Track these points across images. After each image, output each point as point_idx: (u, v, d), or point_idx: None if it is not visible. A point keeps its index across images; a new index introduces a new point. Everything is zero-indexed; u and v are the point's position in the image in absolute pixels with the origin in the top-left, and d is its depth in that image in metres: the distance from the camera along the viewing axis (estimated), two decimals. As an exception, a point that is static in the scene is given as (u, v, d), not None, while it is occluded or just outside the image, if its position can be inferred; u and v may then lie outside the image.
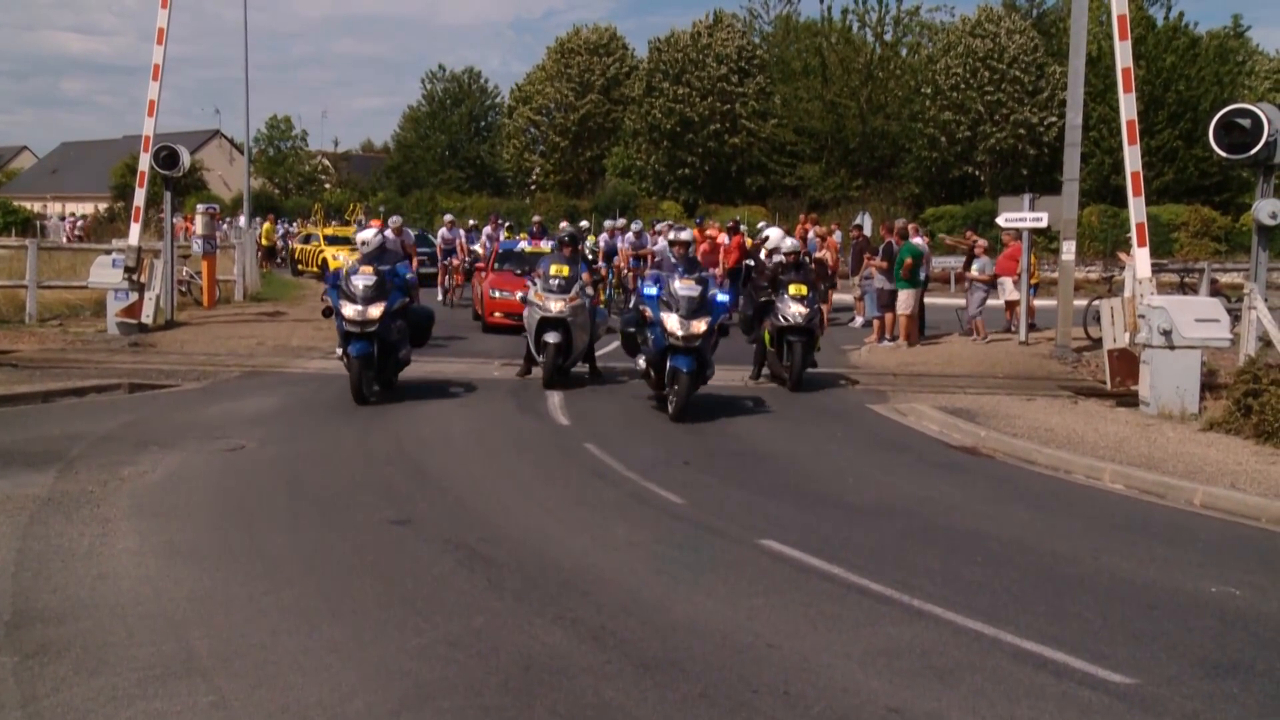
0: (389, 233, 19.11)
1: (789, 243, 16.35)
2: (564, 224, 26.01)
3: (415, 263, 18.48)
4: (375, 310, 12.36)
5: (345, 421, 11.58)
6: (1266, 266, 14.65)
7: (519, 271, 20.18)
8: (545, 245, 22.14)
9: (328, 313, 13.10)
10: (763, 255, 18.55)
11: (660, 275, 13.17)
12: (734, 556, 7.27)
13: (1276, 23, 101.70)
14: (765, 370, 15.38)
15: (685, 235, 13.77)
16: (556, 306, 13.97)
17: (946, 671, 5.34)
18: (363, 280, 12.53)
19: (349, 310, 12.36)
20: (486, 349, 17.86)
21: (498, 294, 20.64)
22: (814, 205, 44.16)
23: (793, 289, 14.71)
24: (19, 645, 5.42)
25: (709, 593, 6.48)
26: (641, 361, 12.96)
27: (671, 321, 12.15)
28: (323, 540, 7.37)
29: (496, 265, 22.19)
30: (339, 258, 33.32)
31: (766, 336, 14.94)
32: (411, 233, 21.73)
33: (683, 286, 12.40)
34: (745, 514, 8.32)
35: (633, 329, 13.34)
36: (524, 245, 23.36)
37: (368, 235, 13.37)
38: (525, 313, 14.53)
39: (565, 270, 14.27)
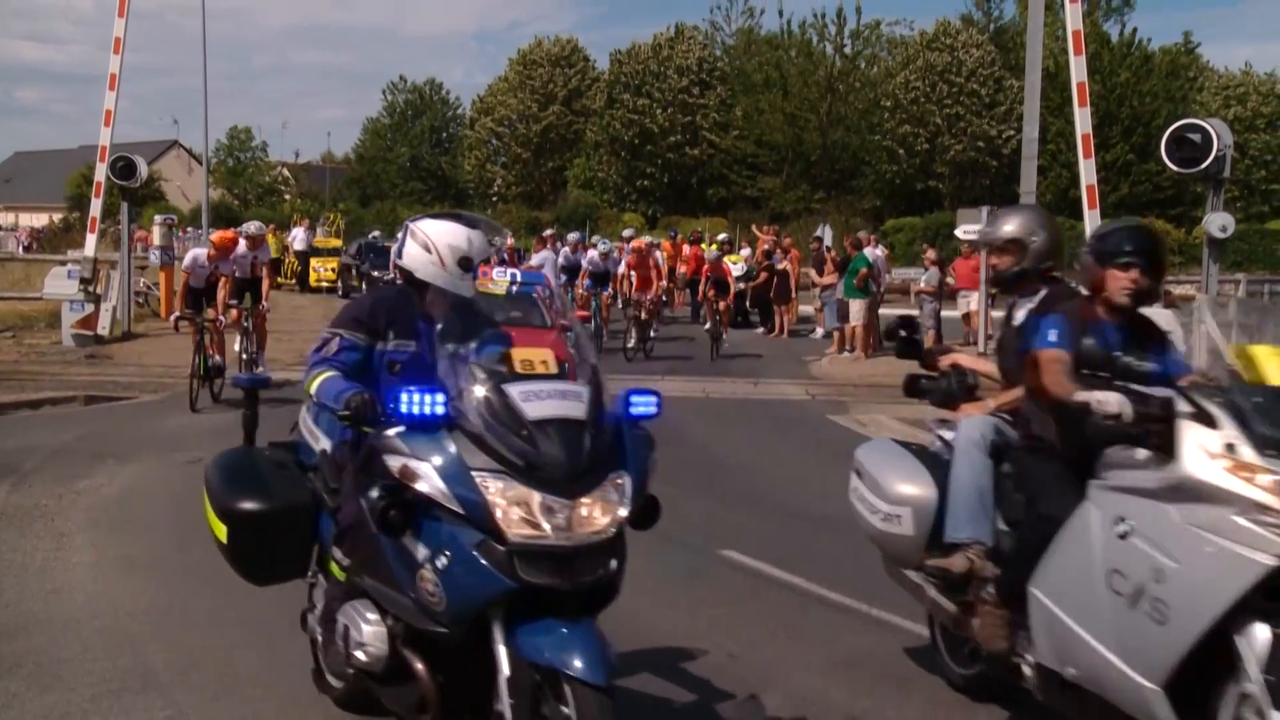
0: (243, 246, 13.72)
1: None
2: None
3: (267, 288, 14.00)
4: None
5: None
6: (1218, 278, 14.91)
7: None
8: (495, 279, 15.43)
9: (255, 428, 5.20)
10: None
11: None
12: (694, 567, 7.30)
13: (1225, 40, 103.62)
14: None
15: None
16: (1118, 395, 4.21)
17: (905, 680, 5.39)
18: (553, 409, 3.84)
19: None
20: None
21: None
22: (775, 217, 44.36)
23: None
24: (-29, 661, 5.36)
25: (669, 603, 6.50)
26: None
27: None
28: (282, 553, 7.31)
29: None
30: (320, 270, 32.20)
31: None
32: (270, 249, 16.27)
33: None
34: (705, 524, 8.33)
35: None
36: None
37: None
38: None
39: None
